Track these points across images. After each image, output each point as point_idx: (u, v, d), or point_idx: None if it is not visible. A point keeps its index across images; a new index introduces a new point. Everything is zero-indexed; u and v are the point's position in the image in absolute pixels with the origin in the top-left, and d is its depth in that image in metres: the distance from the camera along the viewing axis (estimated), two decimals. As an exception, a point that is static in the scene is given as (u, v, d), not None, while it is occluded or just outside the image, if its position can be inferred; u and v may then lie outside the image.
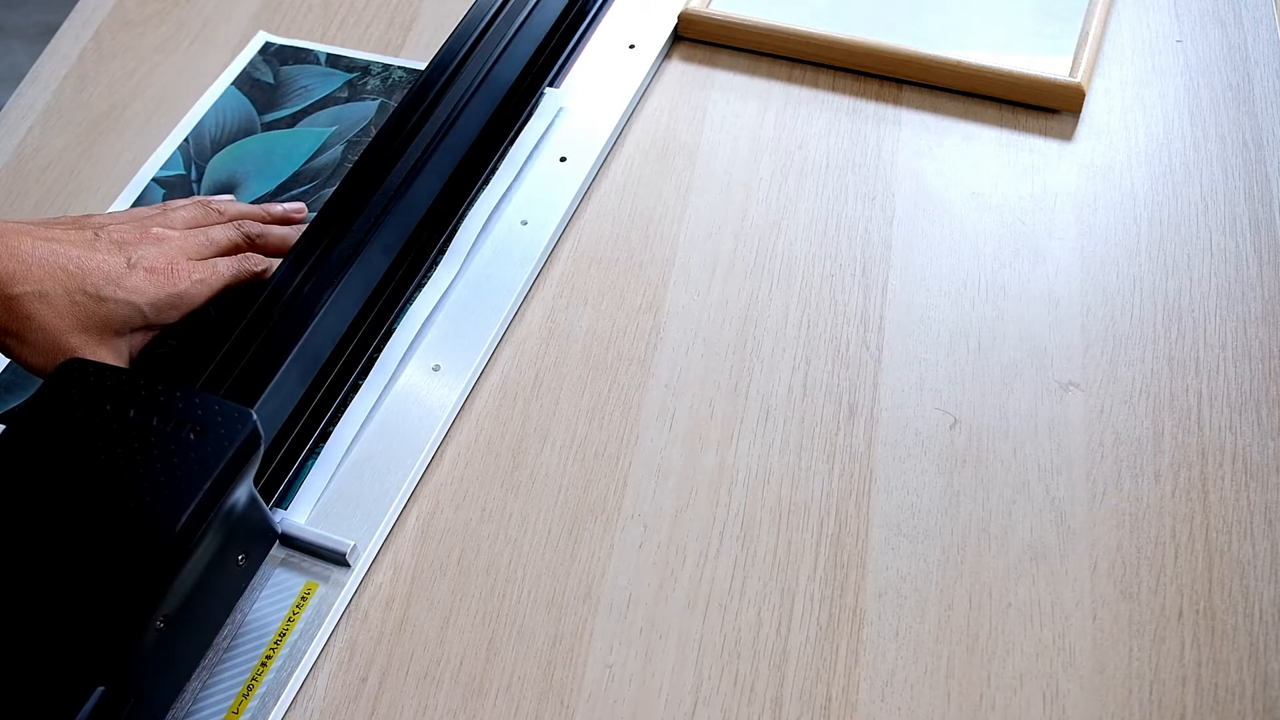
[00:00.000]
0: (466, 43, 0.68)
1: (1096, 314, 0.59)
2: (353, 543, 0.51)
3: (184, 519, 0.42)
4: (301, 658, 0.48)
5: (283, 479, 0.53)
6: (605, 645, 0.49)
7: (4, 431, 0.45)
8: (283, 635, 0.49)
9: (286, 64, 0.73)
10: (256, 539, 0.49)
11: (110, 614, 0.41)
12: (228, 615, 0.48)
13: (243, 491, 0.46)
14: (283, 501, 0.53)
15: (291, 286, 0.56)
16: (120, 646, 0.42)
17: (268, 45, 0.74)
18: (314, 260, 0.57)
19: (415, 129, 0.63)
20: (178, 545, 0.42)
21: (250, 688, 0.48)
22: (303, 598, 0.50)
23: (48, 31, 0.80)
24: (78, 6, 0.80)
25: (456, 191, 0.65)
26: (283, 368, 0.53)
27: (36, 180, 0.69)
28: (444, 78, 0.66)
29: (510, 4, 0.70)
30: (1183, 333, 0.58)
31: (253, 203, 0.65)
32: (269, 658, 0.48)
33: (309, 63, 0.73)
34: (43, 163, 0.70)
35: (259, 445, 0.45)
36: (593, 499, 0.54)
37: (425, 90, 0.65)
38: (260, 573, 0.50)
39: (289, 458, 0.54)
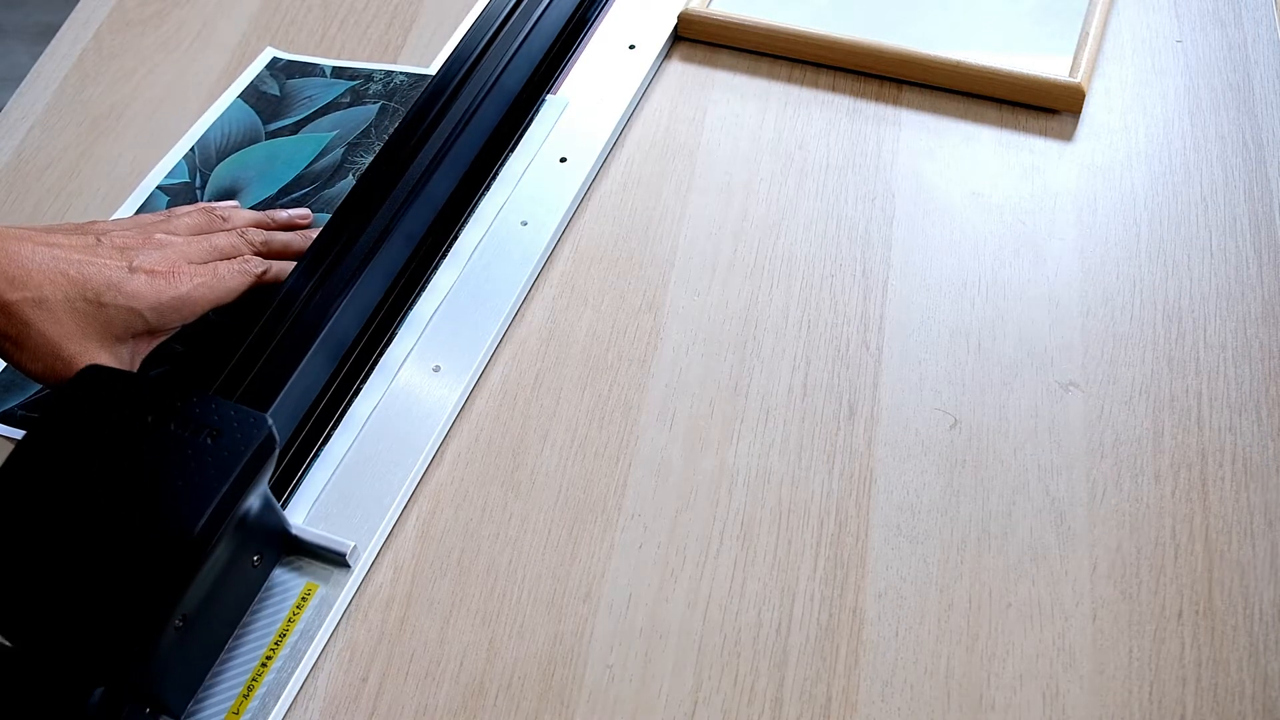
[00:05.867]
0: (473, 52, 0.68)
1: (1096, 314, 0.59)
2: (353, 543, 0.51)
3: (202, 522, 0.43)
4: (302, 658, 0.48)
5: (289, 482, 0.53)
6: (605, 645, 0.49)
7: (25, 436, 0.46)
8: (283, 636, 0.49)
9: (293, 78, 0.73)
10: (270, 540, 0.50)
11: (131, 614, 0.42)
12: (242, 615, 0.49)
13: (258, 494, 0.46)
14: (283, 502, 0.53)
15: (304, 292, 0.56)
16: (140, 646, 0.42)
17: (275, 60, 0.74)
18: (326, 266, 0.58)
19: (424, 138, 0.64)
20: (196, 547, 0.43)
21: (251, 688, 0.48)
22: (303, 598, 0.50)
23: (48, 31, 0.80)
24: (78, 6, 0.80)
25: (462, 196, 0.65)
26: (296, 372, 0.53)
27: (36, 181, 0.69)
28: (450, 87, 0.66)
29: (517, 13, 0.70)
30: (1183, 333, 0.58)
31: (255, 207, 0.66)
32: (269, 658, 0.48)
33: (315, 75, 0.73)
34: (43, 163, 0.70)
35: (274, 449, 0.46)
36: (593, 499, 0.54)
37: (433, 100, 0.65)
38: (261, 574, 0.51)
39: (294, 460, 0.54)
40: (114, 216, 0.66)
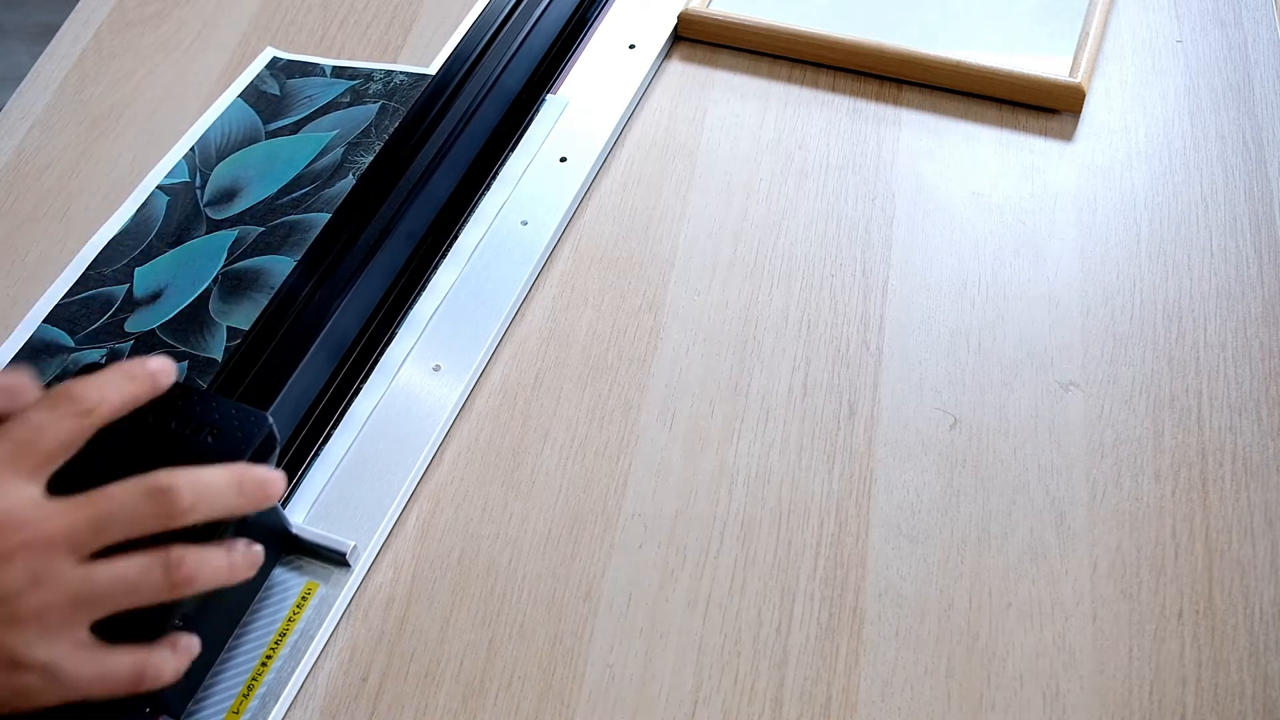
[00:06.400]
0: (473, 52, 0.68)
1: (1096, 314, 0.59)
2: (353, 543, 0.51)
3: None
4: (302, 658, 0.48)
5: (289, 482, 0.53)
6: (605, 645, 0.49)
7: None
8: (283, 635, 0.49)
9: (293, 78, 0.73)
10: (271, 540, 0.49)
11: (131, 613, 0.41)
12: (242, 615, 0.49)
13: None
14: (283, 502, 0.53)
15: (304, 292, 0.57)
16: (141, 644, 0.42)
17: (275, 60, 0.74)
18: (326, 266, 0.58)
19: (424, 138, 0.64)
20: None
21: (251, 688, 0.48)
22: (303, 598, 0.50)
23: (48, 31, 0.80)
24: (78, 6, 0.80)
25: (462, 196, 0.65)
26: (296, 372, 0.53)
27: (36, 181, 0.69)
28: (450, 87, 0.66)
29: (517, 13, 0.70)
30: (1183, 333, 0.58)
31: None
32: (269, 658, 0.48)
33: (315, 75, 0.73)
34: (43, 163, 0.70)
35: (275, 447, 0.46)
36: (593, 499, 0.54)
37: (433, 100, 0.65)
38: (261, 573, 0.51)
39: (295, 460, 0.54)
40: (114, 214, 0.66)
